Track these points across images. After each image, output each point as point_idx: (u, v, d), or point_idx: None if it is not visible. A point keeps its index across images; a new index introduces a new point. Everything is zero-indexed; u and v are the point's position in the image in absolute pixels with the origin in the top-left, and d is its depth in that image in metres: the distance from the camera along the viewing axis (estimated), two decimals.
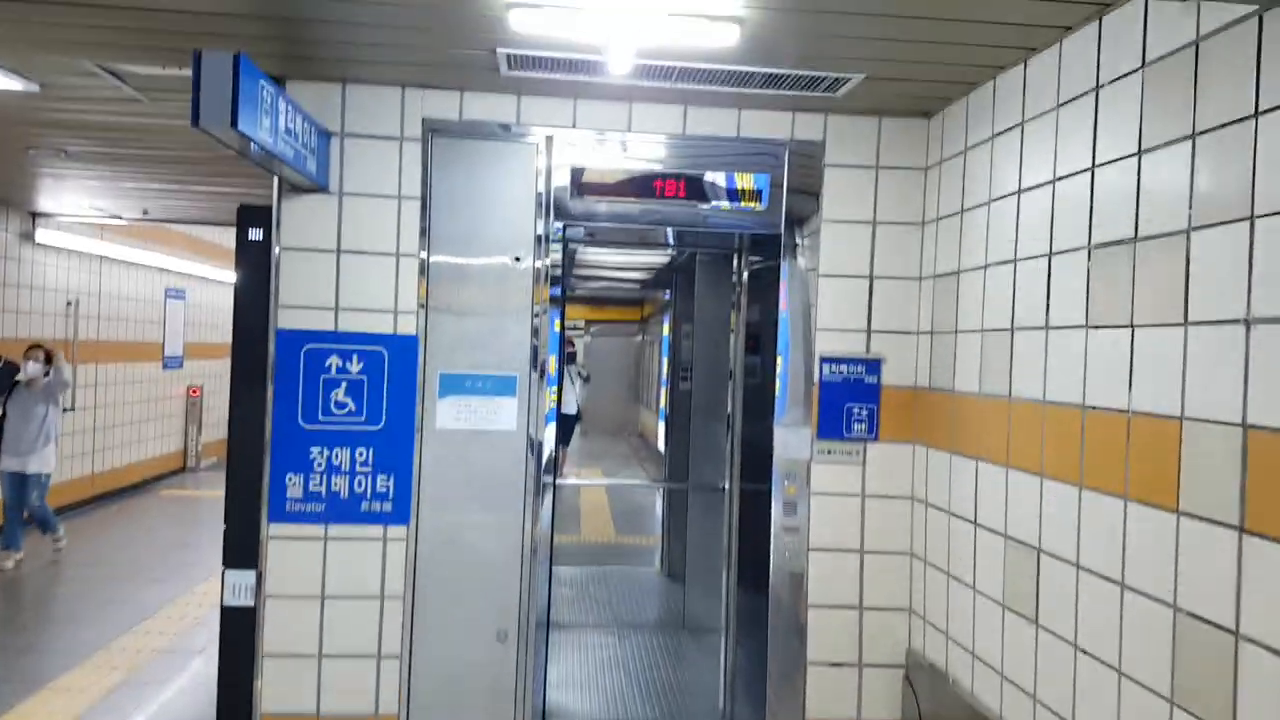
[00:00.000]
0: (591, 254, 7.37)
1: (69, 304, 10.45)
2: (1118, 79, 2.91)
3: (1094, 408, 2.97)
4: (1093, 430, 2.98)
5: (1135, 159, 2.80)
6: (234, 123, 2.99)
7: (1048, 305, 3.26)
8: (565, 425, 11.08)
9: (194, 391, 13.67)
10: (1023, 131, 3.49)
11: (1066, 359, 3.13)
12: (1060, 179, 3.21)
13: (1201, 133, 2.52)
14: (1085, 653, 2.99)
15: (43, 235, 9.71)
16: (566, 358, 10.20)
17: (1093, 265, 3.00)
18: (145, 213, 9.18)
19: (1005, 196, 3.59)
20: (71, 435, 10.45)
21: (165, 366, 12.97)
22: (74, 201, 8.77)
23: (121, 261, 11.55)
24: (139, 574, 8.01)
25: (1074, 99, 3.15)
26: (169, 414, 13.18)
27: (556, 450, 8.47)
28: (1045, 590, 3.24)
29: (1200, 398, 2.50)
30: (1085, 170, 3.06)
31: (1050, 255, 3.25)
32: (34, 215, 9.61)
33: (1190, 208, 2.55)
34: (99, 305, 11.15)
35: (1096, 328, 2.97)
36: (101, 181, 7.49)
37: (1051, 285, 3.24)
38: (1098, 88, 3.02)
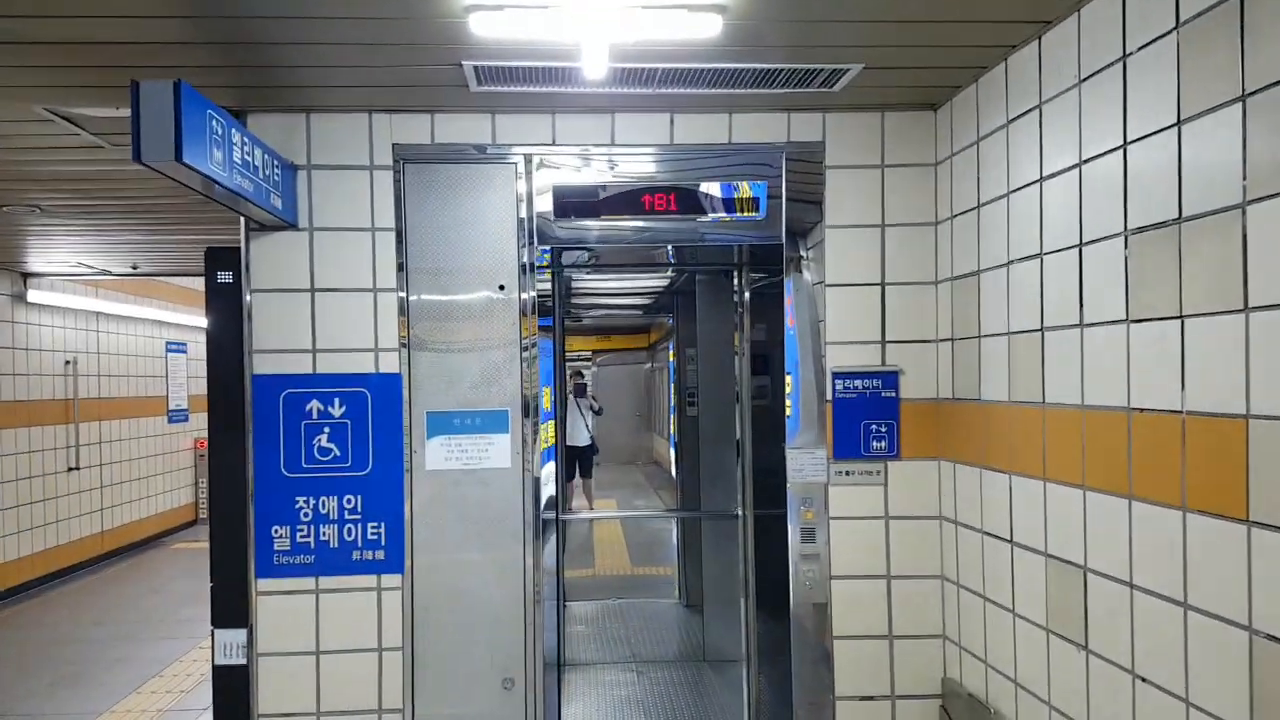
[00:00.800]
0: (589, 280, 7.20)
1: (67, 363, 10.34)
2: (1148, 44, 2.66)
3: (1141, 410, 2.71)
4: (1141, 435, 2.72)
5: (1174, 130, 2.55)
6: (178, 155, 2.79)
7: (1081, 301, 3.01)
8: (584, 457, 10.99)
9: (201, 444, 13.58)
10: (1041, 114, 3.25)
11: (1106, 358, 2.88)
12: (1087, 161, 2.97)
13: (1253, 93, 2.27)
14: (1145, 680, 2.75)
15: (35, 295, 9.61)
16: (577, 390, 10.12)
17: (1131, 253, 2.75)
18: (135, 267, 9.05)
19: (1026, 186, 3.35)
20: (79, 494, 10.43)
21: (170, 420, 12.94)
22: (62, 260, 8.65)
23: (119, 317, 11.48)
24: (148, 631, 7.94)
25: (1097, 72, 2.90)
26: (177, 468, 13.15)
27: (567, 484, 8.24)
28: (1095, 612, 3.00)
29: (1269, 392, 2.24)
30: (1116, 149, 2.81)
31: (1081, 246, 3.01)
32: (25, 276, 9.51)
33: (1244, 179, 2.30)
34: (98, 363, 11.06)
35: (1139, 321, 2.71)
36: (84, 237, 7.34)
37: (1084, 278, 2.99)
38: (1125, 57, 2.77)
